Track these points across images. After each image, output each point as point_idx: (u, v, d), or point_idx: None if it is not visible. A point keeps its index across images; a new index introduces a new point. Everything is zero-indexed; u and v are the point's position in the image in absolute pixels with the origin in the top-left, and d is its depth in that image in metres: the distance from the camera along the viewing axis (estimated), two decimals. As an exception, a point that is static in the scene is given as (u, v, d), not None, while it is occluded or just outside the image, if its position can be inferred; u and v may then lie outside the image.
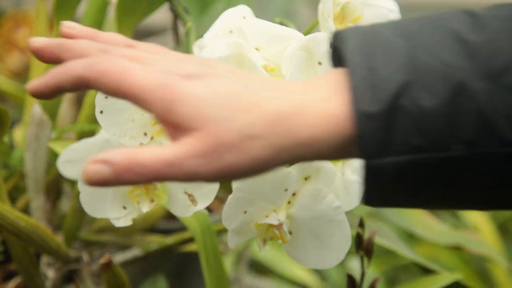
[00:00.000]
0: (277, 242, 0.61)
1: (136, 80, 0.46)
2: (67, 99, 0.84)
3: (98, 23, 0.81)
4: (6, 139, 0.77)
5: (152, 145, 0.61)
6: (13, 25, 1.50)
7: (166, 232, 0.91)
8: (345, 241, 0.59)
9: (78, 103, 0.82)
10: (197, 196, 0.62)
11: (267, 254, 1.25)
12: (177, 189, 0.62)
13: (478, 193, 0.48)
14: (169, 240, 0.82)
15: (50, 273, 0.76)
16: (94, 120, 0.80)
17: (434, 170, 0.46)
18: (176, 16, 0.78)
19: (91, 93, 0.79)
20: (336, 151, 0.47)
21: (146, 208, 0.62)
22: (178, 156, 0.45)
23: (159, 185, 0.62)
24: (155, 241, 0.84)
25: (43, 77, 0.48)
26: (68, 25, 0.52)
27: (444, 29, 0.47)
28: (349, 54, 0.47)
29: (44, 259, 0.77)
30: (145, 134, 0.60)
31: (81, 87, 0.48)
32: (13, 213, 0.68)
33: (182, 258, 0.91)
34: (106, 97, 0.59)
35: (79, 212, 0.78)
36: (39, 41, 0.49)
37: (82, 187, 0.61)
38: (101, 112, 0.59)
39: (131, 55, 0.48)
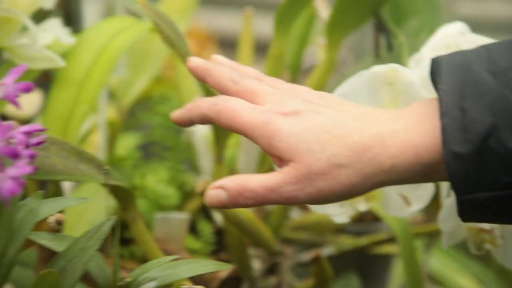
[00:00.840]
0: (485, 246, 0.65)
1: (244, 120, 0.54)
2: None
3: (305, 36, 0.88)
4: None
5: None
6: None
7: (354, 233, 0.97)
8: None
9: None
10: (411, 198, 0.66)
11: (434, 262, 1.27)
12: (392, 190, 0.67)
13: None
14: (362, 241, 0.88)
15: (257, 264, 0.83)
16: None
17: None
18: (378, 30, 0.84)
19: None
20: (420, 177, 0.52)
21: (362, 207, 0.67)
22: (278, 183, 0.53)
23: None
24: (348, 241, 0.89)
25: (182, 109, 0.58)
26: (216, 58, 0.61)
27: None
28: (442, 93, 0.51)
29: (251, 251, 0.84)
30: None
31: (206, 122, 0.57)
32: (235, 206, 0.75)
33: (370, 259, 0.96)
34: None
35: (284, 210, 0.84)
36: (194, 61, 0.59)
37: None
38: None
39: (252, 87, 0.57)
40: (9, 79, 0.49)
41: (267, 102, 0.55)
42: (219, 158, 0.75)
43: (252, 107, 0.55)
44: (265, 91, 0.56)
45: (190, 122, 0.58)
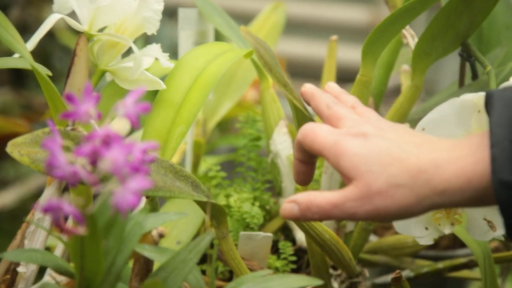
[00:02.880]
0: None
1: (320, 140, 0.60)
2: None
3: (390, 63, 0.91)
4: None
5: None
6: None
7: (428, 258, 0.98)
8: None
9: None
10: (496, 223, 0.68)
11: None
12: (477, 215, 0.69)
13: None
14: (440, 264, 0.90)
15: (336, 284, 0.86)
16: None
17: None
18: (464, 59, 0.86)
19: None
20: (471, 201, 0.56)
21: (447, 230, 0.70)
22: (341, 199, 0.58)
23: (459, 210, 0.70)
24: (425, 265, 0.91)
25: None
26: (329, 85, 0.70)
27: None
28: (493, 125, 0.55)
29: (330, 271, 0.86)
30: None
31: (302, 147, 0.64)
32: (320, 226, 0.78)
33: (446, 283, 0.98)
34: (424, 130, 0.67)
35: (365, 231, 0.87)
36: (307, 86, 0.68)
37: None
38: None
39: (340, 113, 0.63)
40: (130, 100, 0.53)
41: (345, 126, 0.61)
42: (306, 179, 0.78)
43: (328, 130, 0.61)
44: (348, 117, 0.62)
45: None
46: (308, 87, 0.67)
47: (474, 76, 0.86)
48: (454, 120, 0.67)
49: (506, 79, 0.75)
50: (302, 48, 2.56)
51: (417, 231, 0.71)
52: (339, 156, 0.59)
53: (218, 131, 1.61)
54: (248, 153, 0.94)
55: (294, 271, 0.88)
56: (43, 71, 0.68)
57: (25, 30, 1.96)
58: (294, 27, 2.57)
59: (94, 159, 0.51)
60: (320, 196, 0.59)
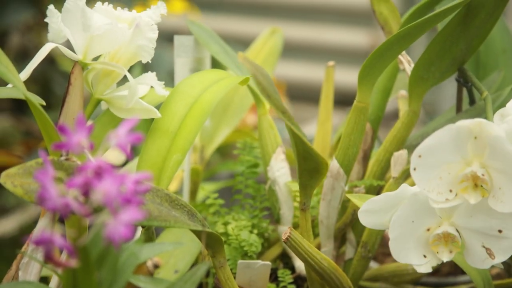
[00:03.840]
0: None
1: None
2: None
3: (388, 89, 0.91)
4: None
5: (456, 201, 0.67)
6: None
7: (429, 285, 0.97)
8: None
9: (364, 161, 0.91)
10: (495, 251, 0.68)
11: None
12: (475, 242, 0.68)
13: None
14: (441, 292, 0.89)
15: (336, 312, 0.85)
16: (379, 177, 0.88)
17: None
18: (461, 84, 0.86)
19: (378, 152, 0.88)
20: None
21: (445, 258, 0.69)
22: None
23: (458, 237, 0.69)
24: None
25: None
26: None
27: None
28: None
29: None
30: (451, 191, 0.68)
31: None
32: (319, 254, 0.77)
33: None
34: (420, 156, 0.67)
35: (364, 259, 0.86)
36: None
37: (392, 234, 0.69)
38: (414, 169, 0.67)
39: None
40: (122, 130, 0.52)
41: None
42: (305, 206, 0.78)
43: None
44: None
45: None
46: None
47: (472, 101, 0.86)
48: (450, 147, 0.66)
49: (503, 104, 0.74)
50: (301, 72, 2.57)
51: (416, 259, 0.70)
52: None
53: (218, 156, 1.60)
54: (246, 180, 0.94)
55: (292, 299, 0.87)
56: (36, 100, 0.68)
57: (25, 56, 1.96)
58: (294, 50, 2.58)
59: (86, 190, 0.51)
60: None
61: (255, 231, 0.89)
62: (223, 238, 0.88)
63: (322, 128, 0.96)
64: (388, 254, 1.11)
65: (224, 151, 1.52)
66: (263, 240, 0.90)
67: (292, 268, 0.91)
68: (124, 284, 0.58)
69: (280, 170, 0.89)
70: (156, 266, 0.62)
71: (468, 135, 0.66)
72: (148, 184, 0.54)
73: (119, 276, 0.58)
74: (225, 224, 0.90)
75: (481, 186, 0.67)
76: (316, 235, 0.88)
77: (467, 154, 0.67)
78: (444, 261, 0.69)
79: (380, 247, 1.12)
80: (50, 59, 1.83)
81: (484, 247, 0.68)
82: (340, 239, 0.90)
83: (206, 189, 1.05)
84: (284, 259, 0.92)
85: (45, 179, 0.50)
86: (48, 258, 0.49)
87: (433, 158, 0.67)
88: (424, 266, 0.70)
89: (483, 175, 0.66)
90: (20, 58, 1.98)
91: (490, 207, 0.67)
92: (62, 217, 0.51)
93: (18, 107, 1.84)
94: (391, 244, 0.69)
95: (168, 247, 0.63)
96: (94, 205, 0.50)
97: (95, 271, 0.55)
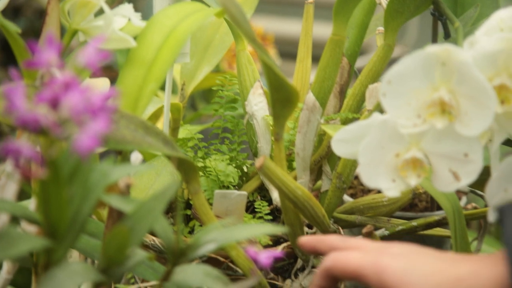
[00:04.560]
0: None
1: (356, 263, 0.66)
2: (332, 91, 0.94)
3: (364, 24, 0.92)
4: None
5: (424, 126, 0.69)
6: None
7: (404, 219, 0.99)
8: None
9: (341, 95, 0.92)
10: (461, 174, 0.69)
11: (486, 249, 1.29)
12: (442, 166, 0.70)
13: None
14: (414, 222, 0.91)
15: (311, 242, 0.87)
16: (355, 110, 0.90)
17: None
18: (436, 18, 0.87)
19: (354, 86, 0.89)
20: None
21: (413, 182, 0.70)
22: None
23: (425, 162, 0.70)
24: (400, 223, 0.92)
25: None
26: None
27: None
28: (508, 234, 0.61)
29: (305, 229, 0.87)
30: (419, 116, 0.69)
31: (330, 274, 0.67)
32: (293, 183, 0.79)
33: (422, 241, 0.99)
34: (389, 82, 0.68)
35: (339, 190, 0.88)
36: (302, 239, 0.70)
37: (362, 159, 0.71)
38: (384, 95, 0.68)
39: (357, 243, 0.69)
40: (91, 47, 0.54)
41: (369, 250, 0.67)
42: (278, 136, 0.79)
43: (360, 253, 0.67)
44: (365, 244, 0.68)
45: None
46: (304, 239, 0.70)
47: (447, 35, 0.87)
48: (419, 73, 0.68)
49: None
50: (294, 29, 2.57)
51: (385, 183, 0.71)
52: (381, 273, 0.64)
53: (204, 101, 1.62)
54: (225, 115, 0.95)
55: (269, 230, 0.89)
56: (11, 28, 0.69)
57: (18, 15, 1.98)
58: (287, 6, 2.57)
59: (54, 105, 0.52)
60: None
61: (233, 164, 0.90)
62: (201, 172, 0.90)
63: (301, 65, 0.97)
64: (366, 192, 1.13)
65: (210, 96, 1.53)
66: (240, 173, 0.92)
67: (270, 201, 0.92)
68: (95, 201, 0.59)
69: (258, 105, 0.91)
70: (128, 187, 0.64)
71: (436, 61, 0.68)
72: (116, 102, 0.56)
73: (90, 193, 0.60)
74: (204, 157, 0.91)
75: (449, 112, 0.68)
76: (294, 169, 0.90)
77: (435, 80, 0.68)
78: (412, 185, 0.70)
79: (359, 184, 1.14)
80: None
81: (451, 171, 0.70)
82: (317, 172, 0.92)
83: (189, 129, 1.07)
84: (262, 192, 0.94)
85: (13, 94, 0.51)
86: (17, 167, 0.51)
87: (402, 84, 0.68)
88: (393, 190, 0.71)
89: (450, 100, 0.68)
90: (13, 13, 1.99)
91: (457, 132, 0.69)
92: (31, 132, 0.53)
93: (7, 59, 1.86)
94: (361, 169, 0.71)
95: (140, 168, 0.64)
96: (62, 119, 0.52)
97: (66, 186, 0.57)
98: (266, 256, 0.62)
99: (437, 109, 0.68)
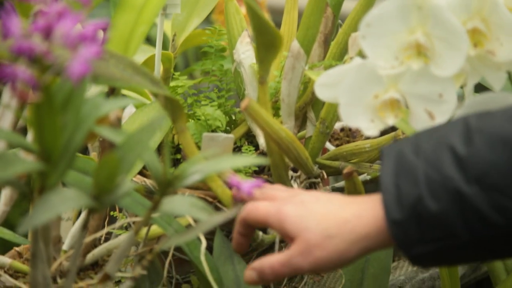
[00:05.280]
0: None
1: (263, 212, 0.71)
2: (317, 39, 0.97)
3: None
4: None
5: (401, 68, 0.72)
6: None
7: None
8: None
9: (325, 45, 0.95)
10: (436, 113, 0.73)
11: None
12: (419, 106, 0.73)
13: (488, 255, 0.69)
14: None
15: (295, 185, 0.90)
16: (339, 58, 0.93)
17: (452, 250, 0.65)
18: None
19: (338, 34, 0.93)
20: (385, 242, 0.67)
21: (391, 121, 0.74)
22: (287, 257, 0.68)
23: (402, 103, 0.74)
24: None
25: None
26: None
27: (444, 145, 0.65)
28: (383, 175, 0.66)
29: (289, 173, 0.91)
30: (397, 58, 0.73)
31: (246, 223, 0.73)
32: (277, 124, 0.82)
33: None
34: (369, 25, 0.71)
35: (323, 135, 0.91)
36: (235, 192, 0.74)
37: (342, 99, 0.74)
38: (363, 37, 0.72)
39: (270, 193, 0.73)
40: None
41: (279, 200, 0.72)
42: (262, 79, 0.83)
43: (269, 203, 0.72)
44: (280, 194, 0.73)
45: (244, 224, 0.74)
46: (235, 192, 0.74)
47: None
48: (396, 17, 0.71)
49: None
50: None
51: (364, 123, 0.75)
52: (283, 221, 0.69)
53: (197, 61, 1.65)
54: (213, 64, 0.98)
55: (256, 173, 0.92)
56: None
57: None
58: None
59: (47, 34, 0.55)
60: (271, 259, 0.70)
61: (221, 109, 0.94)
62: (190, 119, 0.93)
63: (288, 16, 1.00)
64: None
65: (204, 56, 1.56)
66: (228, 119, 0.95)
67: (257, 146, 0.96)
68: (87, 130, 0.63)
69: (245, 53, 0.94)
70: (119, 119, 0.67)
71: (413, 5, 0.71)
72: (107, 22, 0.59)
73: (83, 123, 0.63)
74: (193, 104, 0.95)
75: (424, 54, 0.72)
76: (280, 116, 0.93)
77: (411, 23, 0.71)
78: (390, 124, 0.74)
79: (345, 136, 1.18)
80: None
81: (426, 110, 0.73)
82: (302, 119, 0.95)
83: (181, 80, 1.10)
84: (249, 138, 0.97)
85: (10, 22, 0.55)
86: (13, 90, 0.54)
87: (381, 27, 0.72)
88: (371, 130, 0.75)
89: (425, 42, 0.71)
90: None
91: (432, 73, 0.72)
92: (26, 59, 0.56)
93: None
94: (341, 109, 0.74)
95: (130, 102, 0.68)
96: (56, 45, 0.55)
97: (60, 114, 0.60)
98: (248, 185, 0.66)
99: (413, 51, 0.72)
